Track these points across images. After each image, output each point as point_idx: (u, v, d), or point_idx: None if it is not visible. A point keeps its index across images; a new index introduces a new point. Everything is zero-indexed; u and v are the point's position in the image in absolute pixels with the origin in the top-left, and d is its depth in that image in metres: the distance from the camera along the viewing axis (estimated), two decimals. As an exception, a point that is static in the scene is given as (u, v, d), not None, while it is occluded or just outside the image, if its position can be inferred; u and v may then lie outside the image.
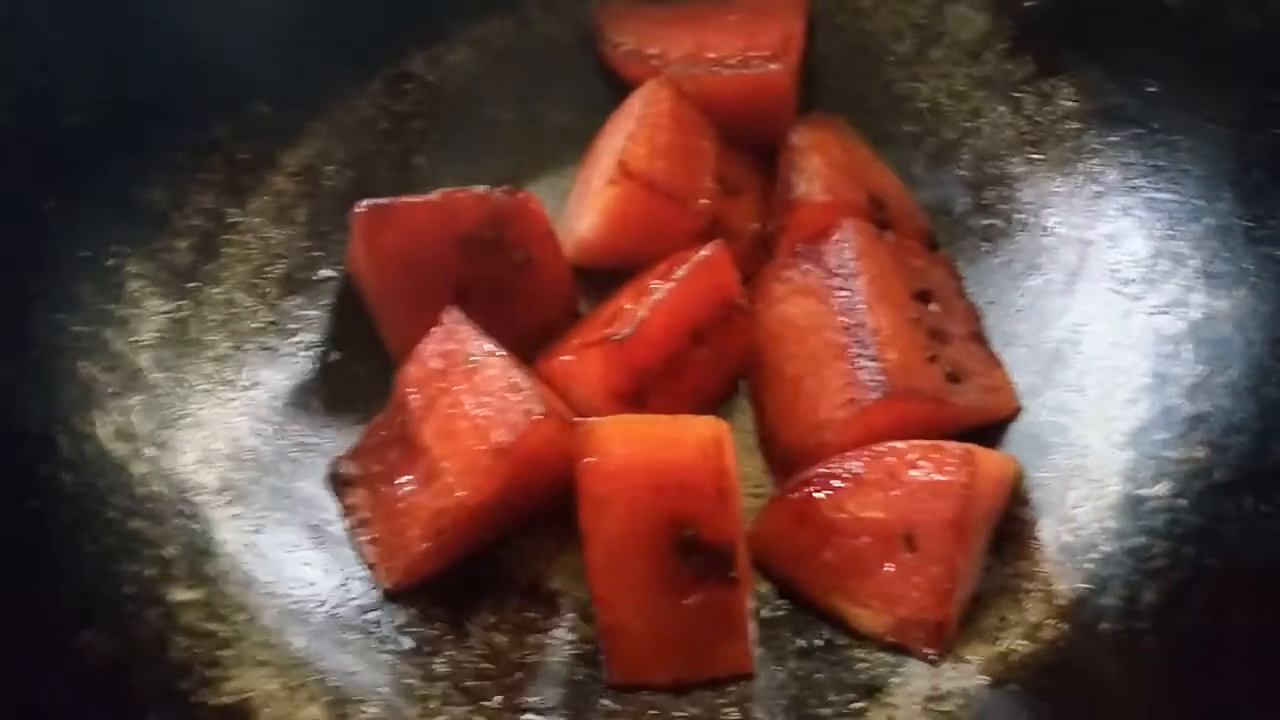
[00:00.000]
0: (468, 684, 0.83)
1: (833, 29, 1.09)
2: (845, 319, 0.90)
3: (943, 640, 0.81)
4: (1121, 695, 0.77)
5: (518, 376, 0.84)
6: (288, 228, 1.02)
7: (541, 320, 0.98)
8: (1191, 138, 0.91)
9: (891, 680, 0.81)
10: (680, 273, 0.91)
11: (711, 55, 1.04)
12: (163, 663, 0.78)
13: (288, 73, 1.03)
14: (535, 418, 0.82)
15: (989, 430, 0.91)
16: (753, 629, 0.84)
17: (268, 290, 0.99)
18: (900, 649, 0.82)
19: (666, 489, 0.81)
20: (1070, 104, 0.98)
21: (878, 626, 0.83)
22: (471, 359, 0.86)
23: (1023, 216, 0.99)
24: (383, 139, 1.07)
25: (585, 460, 0.81)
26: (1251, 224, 0.87)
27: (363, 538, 0.89)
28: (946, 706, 0.79)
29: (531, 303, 0.97)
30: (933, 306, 0.95)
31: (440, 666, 0.84)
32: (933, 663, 0.81)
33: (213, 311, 0.96)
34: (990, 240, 1.00)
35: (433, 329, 0.89)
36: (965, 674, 0.80)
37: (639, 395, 0.90)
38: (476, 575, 0.88)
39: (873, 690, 0.81)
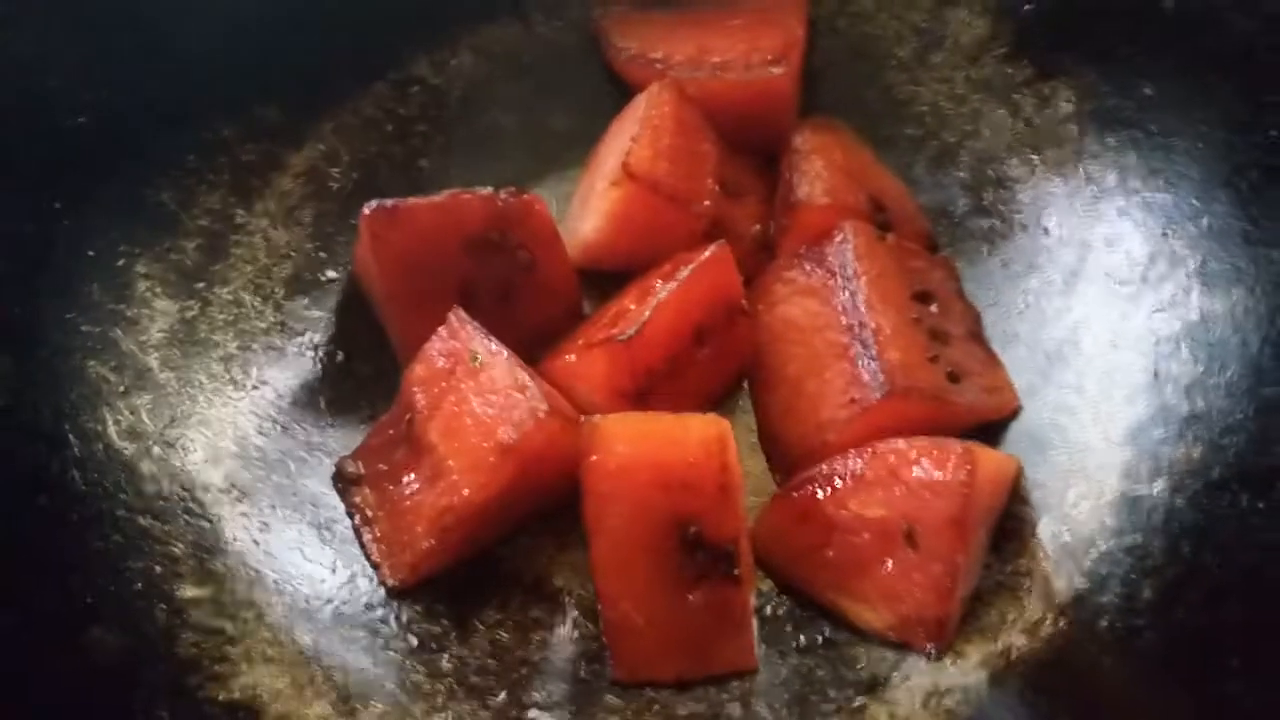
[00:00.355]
0: (473, 680, 0.84)
1: (834, 33, 1.09)
2: (847, 319, 0.91)
3: (943, 637, 0.82)
4: (1120, 691, 0.77)
5: (522, 375, 0.85)
6: (294, 229, 1.03)
7: (546, 321, 0.99)
8: (1188, 140, 0.92)
9: (892, 676, 0.82)
10: (683, 273, 0.91)
11: (714, 59, 1.05)
12: (171, 659, 0.78)
13: (294, 76, 1.04)
14: (540, 416, 0.83)
15: (989, 429, 0.92)
16: (755, 626, 0.85)
17: (274, 291, 1.00)
18: (901, 645, 0.83)
19: (670, 486, 0.82)
20: (1068, 107, 0.99)
21: (879, 623, 0.84)
22: (477, 358, 0.87)
23: (1022, 218, 1.00)
24: (388, 141, 1.08)
25: (589, 458, 0.82)
26: (1248, 225, 0.87)
27: (368, 536, 0.90)
28: (947, 702, 0.80)
29: (536, 303, 0.98)
30: (933, 307, 0.96)
31: (445, 663, 0.85)
32: (933, 659, 0.82)
33: (220, 311, 0.97)
34: (990, 241, 1.01)
35: (439, 329, 0.90)
36: (965, 670, 0.81)
37: (642, 395, 0.91)
38: (481, 573, 0.89)
39: (874, 686, 0.82)
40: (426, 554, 0.86)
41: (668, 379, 0.92)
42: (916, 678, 0.82)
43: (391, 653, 0.85)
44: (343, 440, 0.95)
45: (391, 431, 0.92)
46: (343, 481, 0.93)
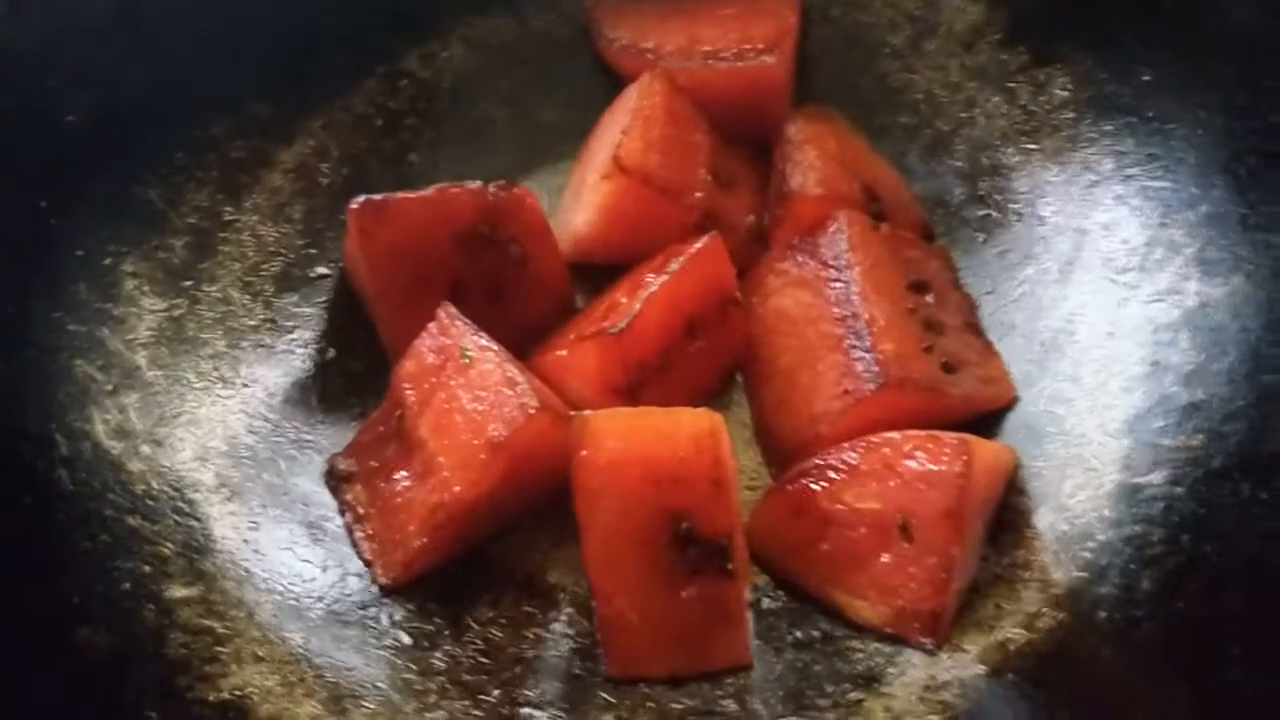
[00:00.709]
0: (465, 678, 0.83)
1: (827, 21, 1.09)
2: (840, 310, 0.90)
3: (939, 630, 0.81)
4: (1119, 682, 0.76)
5: (513, 371, 0.84)
6: (283, 225, 1.02)
7: (537, 315, 0.98)
8: (1185, 126, 0.91)
9: (889, 670, 0.81)
10: (675, 265, 0.91)
11: (706, 48, 1.04)
12: (160, 659, 0.77)
13: (283, 71, 1.03)
14: (531, 412, 0.82)
15: (985, 420, 0.91)
16: (750, 621, 0.84)
17: (264, 288, 0.99)
18: (897, 639, 0.82)
19: (661, 481, 0.81)
20: (1064, 93, 0.98)
21: (875, 617, 0.83)
22: (467, 354, 0.86)
23: (1018, 206, 0.99)
24: (378, 136, 1.07)
25: (580, 453, 0.81)
26: (1246, 211, 0.86)
27: (359, 534, 0.89)
28: (944, 696, 0.79)
29: (527, 298, 0.97)
30: (928, 297, 0.95)
31: (438, 661, 0.84)
32: (930, 653, 0.81)
33: (209, 309, 0.96)
34: (986, 230, 1.00)
35: (428, 325, 0.89)
36: (962, 663, 0.80)
37: (634, 389, 0.90)
38: (473, 570, 0.88)
39: (870, 681, 0.81)
40: (418, 552, 0.85)
41: (660, 372, 0.91)
42: (913, 671, 0.81)
43: (383, 651, 0.84)
44: (334, 437, 0.94)
45: (382, 428, 0.91)
46: (334, 479, 0.92)
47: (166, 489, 0.87)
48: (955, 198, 1.02)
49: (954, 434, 0.82)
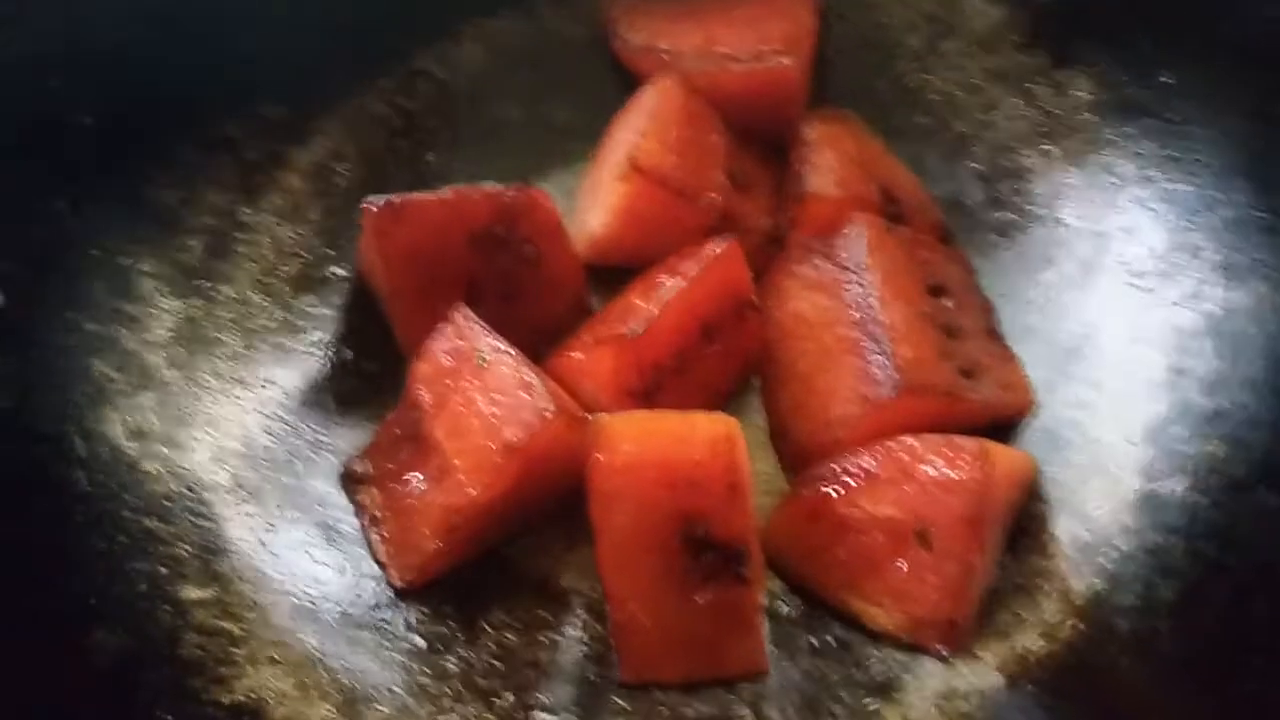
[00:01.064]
0: (479, 682, 0.83)
1: (844, 21, 1.08)
2: (858, 314, 0.89)
3: (957, 639, 0.80)
4: (1139, 694, 0.76)
5: (529, 374, 0.84)
6: (300, 226, 1.02)
7: (552, 316, 0.98)
8: (1207, 129, 0.90)
9: (906, 679, 0.81)
10: (693, 270, 0.90)
11: (722, 49, 1.04)
12: (175, 660, 0.78)
13: (299, 71, 1.03)
14: (547, 416, 0.82)
15: (1005, 426, 0.90)
16: (765, 627, 0.84)
17: (280, 289, 0.99)
18: (914, 647, 0.82)
19: (676, 485, 0.80)
20: (1084, 95, 0.98)
21: (891, 625, 0.82)
22: (482, 357, 0.86)
23: (1037, 209, 0.98)
24: (394, 136, 1.07)
25: (595, 457, 0.81)
26: (1268, 215, 0.86)
27: (374, 536, 0.89)
28: (961, 705, 0.79)
29: (542, 299, 0.97)
30: (946, 301, 0.94)
31: (451, 665, 0.84)
32: (947, 661, 0.81)
33: (225, 310, 0.96)
34: (1004, 234, 0.99)
35: (441, 326, 0.89)
36: (980, 673, 0.80)
37: (649, 392, 0.90)
38: (487, 573, 0.88)
39: (886, 689, 0.81)
40: (433, 555, 0.85)
41: (675, 376, 0.91)
42: (930, 680, 0.80)
43: (397, 654, 0.84)
44: (350, 439, 0.94)
45: (398, 430, 0.91)
46: (350, 481, 0.92)
47: (182, 490, 0.87)
48: (973, 200, 1.01)
49: (973, 440, 0.82)
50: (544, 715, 0.82)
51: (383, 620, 0.85)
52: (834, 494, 0.84)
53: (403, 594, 0.87)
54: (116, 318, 0.91)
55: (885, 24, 1.07)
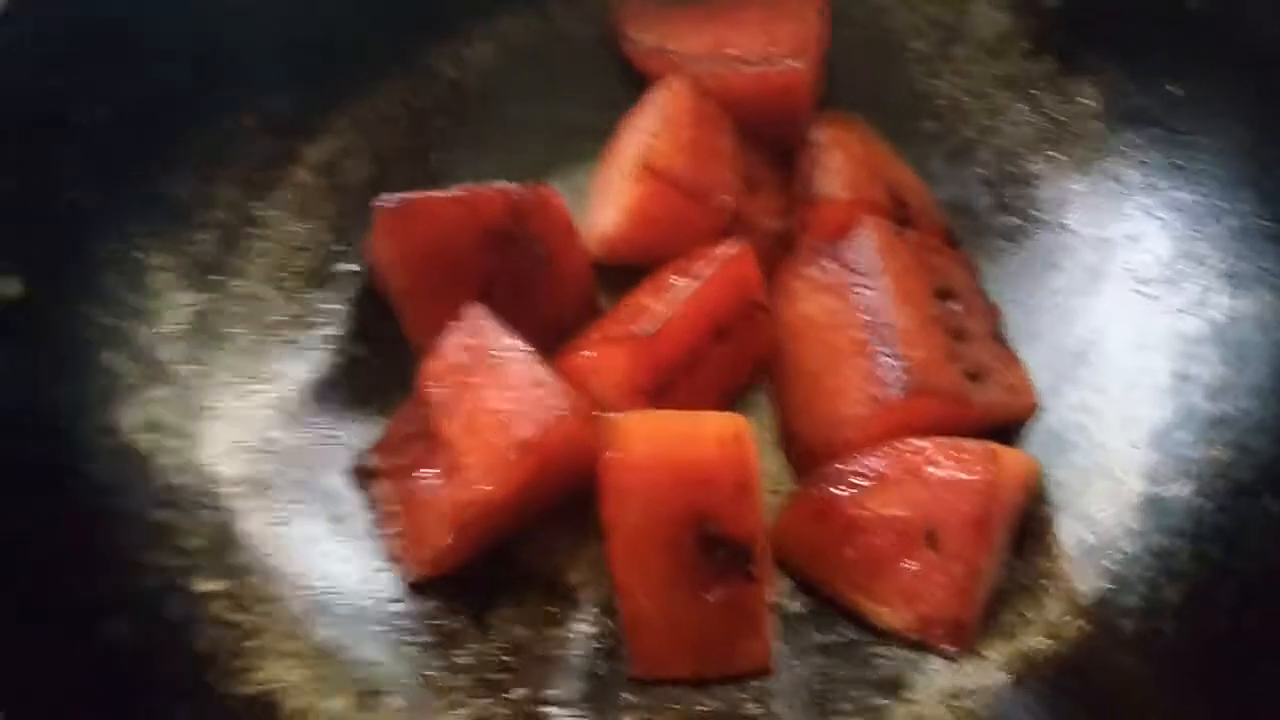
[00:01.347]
0: (490, 676, 0.84)
1: (852, 26, 1.08)
2: (867, 316, 0.90)
3: (964, 638, 0.81)
4: (1142, 693, 0.77)
5: (542, 372, 0.85)
6: (310, 222, 1.02)
7: (561, 314, 0.98)
8: (1212, 138, 0.92)
9: (913, 677, 0.82)
10: (706, 270, 0.91)
11: (732, 52, 1.04)
12: (189, 653, 0.78)
13: (310, 68, 1.03)
14: (560, 413, 0.82)
15: (1009, 429, 0.91)
16: (773, 625, 0.85)
17: (291, 284, 0.99)
18: (922, 646, 0.83)
19: (688, 484, 0.81)
20: (1091, 103, 0.99)
21: (899, 623, 0.84)
22: (495, 354, 0.86)
23: (1043, 215, 0.99)
24: (404, 135, 1.07)
25: (608, 455, 0.81)
26: (1272, 224, 0.87)
27: (386, 531, 0.90)
28: (968, 703, 0.80)
29: (552, 297, 0.97)
30: (953, 305, 0.95)
31: (463, 659, 0.85)
32: (954, 660, 0.82)
33: (236, 304, 0.96)
34: (1010, 239, 1.00)
35: (453, 323, 0.89)
36: (986, 671, 0.81)
37: (660, 391, 0.91)
38: (496, 569, 0.89)
39: (895, 687, 0.82)
40: (445, 550, 0.86)
41: (685, 375, 0.92)
42: (937, 678, 0.81)
43: (410, 648, 0.85)
44: (360, 434, 0.95)
45: (410, 426, 0.92)
46: (361, 476, 0.92)
47: (195, 483, 0.87)
48: (980, 205, 1.02)
49: (981, 443, 0.83)
50: (555, 709, 0.83)
51: (395, 614, 0.86)
52: (843, 494, 0.85)
53: (414, 589, 0.87)
54: (130, 311, 0.91)
55: (893, 29, 1.08)
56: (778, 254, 1.01)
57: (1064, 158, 0.99)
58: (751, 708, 0.82)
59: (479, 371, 0.87)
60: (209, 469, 0.89)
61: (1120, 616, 0.80)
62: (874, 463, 0.84)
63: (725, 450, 0.82)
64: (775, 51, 1.03)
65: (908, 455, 0.83)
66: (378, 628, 0.85)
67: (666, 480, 0.81)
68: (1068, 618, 0.82)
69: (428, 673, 0.84)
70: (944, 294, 0.95)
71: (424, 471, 0.89)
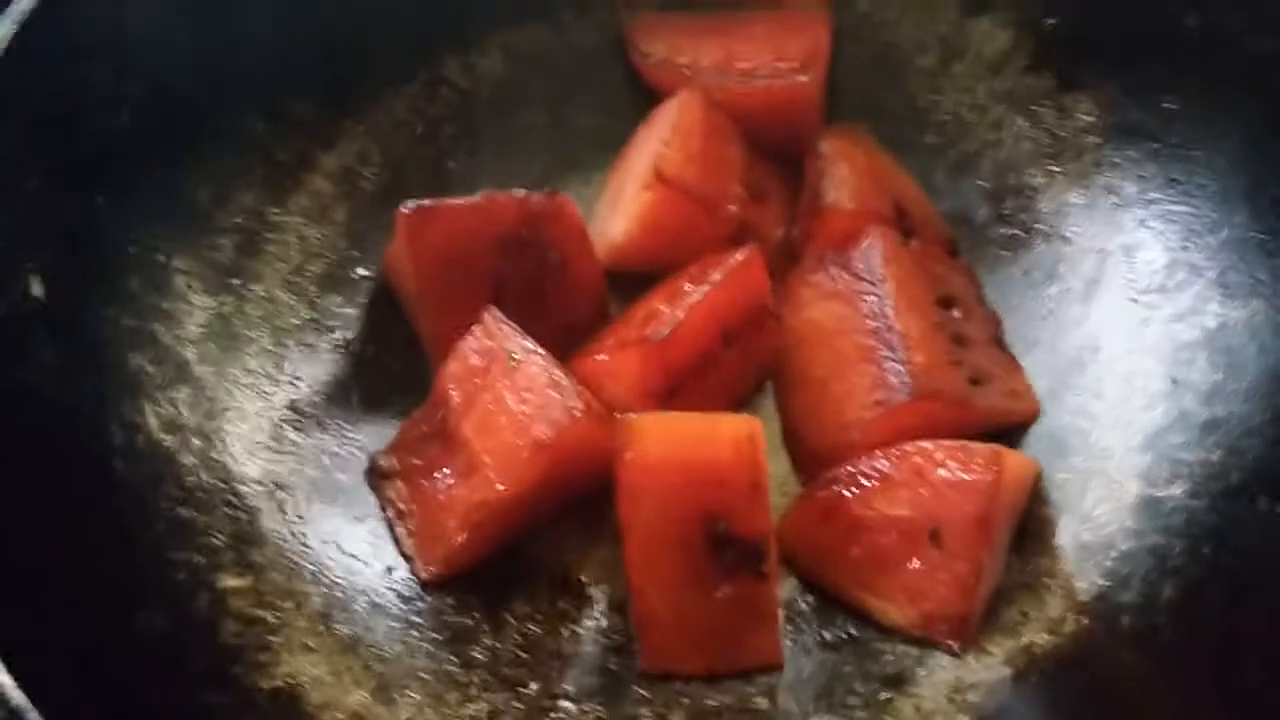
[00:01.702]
0: (505, 672, 0.86)
1: (857, 41, 1.11)
2: (872, 322, 0.93)
3: (967, 634, 0.84)
4: (1141, 687, 0.79)
5: (558, 374, 0.87)
6: (326, 227, 1.04)
7: (573, 320, 1.00)
8: (1207, 153, 0.94)
9: (918, 671, 0.84)
10: (716, 276, 0.93)
11: (741, 65, 1.06)
12: (215, 647, 0.80)
13: (326, 77, 1.05)
14: (576, 414, 0.84)
15: (1010, 432, 0.94)
16: (781, 621, 0.87)
17: (308, 288, 1.01)
18: (926, 642, 0.85)
19: (702, 484, 0.83)
20: (1089, 119, 1.01)
21: (903, 620, 0.86)
22: (513, 357, 0.88)
23: (1042, 227, 1.02)
24: (417, 142, 1.09)
25: (624, 455, 0.83)
26: (1265, 237, 0.89)
27: (401, 529, 0.92)
28: (971, 697, 0.82)
29: (564, 303, 0.99)
30: (955, 312, 0.97)
31: (478, 654, 0.87)
32: (957, 655, 0.84)
33: (255, 308, 0.98)
34: (1010, 249, 1.03)
35: (473, 327, 0.91)
36: (989, 666, 0.83)
37: (671, 394, 0.93)
38: (510, 567, 0.91)
39: (899, 681, 0.84)
40: (459, 549, 0.88)
41: (695, 379, 0.94)
42: (941, 673, 0.84)
43: (426, 644, 0.87)
44: (375, 435, 0.96)
45: (425, 427, 0.93)
46: (376, 476, 0.94)
47: (216, 482, 0.89)
48: (980, 217, 1.05)
49: (985, 445, 0.85)
50: (568, 704, 0.84)
51: (411, 611, 0.88)
52: (849, 494, 0.87)
53: (429, 586, 0.89)
54: (152, 313, 0.92)
55: (897, 44, 1.10)
56: (784, 263, 1.03)
57: (1063, 171, 1.02)
58: (760, 702, 0.84)
59: (496, 373, 0.89)
60: (229, 468, 0.90)
61: (1118, 612, 0.82)
62: (880, 464, 0.86)
63: (739, 451, 0.84)
64: (783, 65, 1.06)
65: (914, 457, 0.85)
66: (395, 624, 0.87)
67: (682, 480, 0.83)
68: (1068, 614, 0.84)
69: (444, 668, 0.85)
70: (946, 302, 0.98)
71: (439, 472, 0.91)
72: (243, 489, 0.90)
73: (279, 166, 1.03)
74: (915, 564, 0.84)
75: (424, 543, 0.90)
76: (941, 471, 0.84)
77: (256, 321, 0.98)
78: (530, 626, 0.89)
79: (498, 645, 0.87)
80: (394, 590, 0.89)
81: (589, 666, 0.87)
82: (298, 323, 1.00)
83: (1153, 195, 0.97)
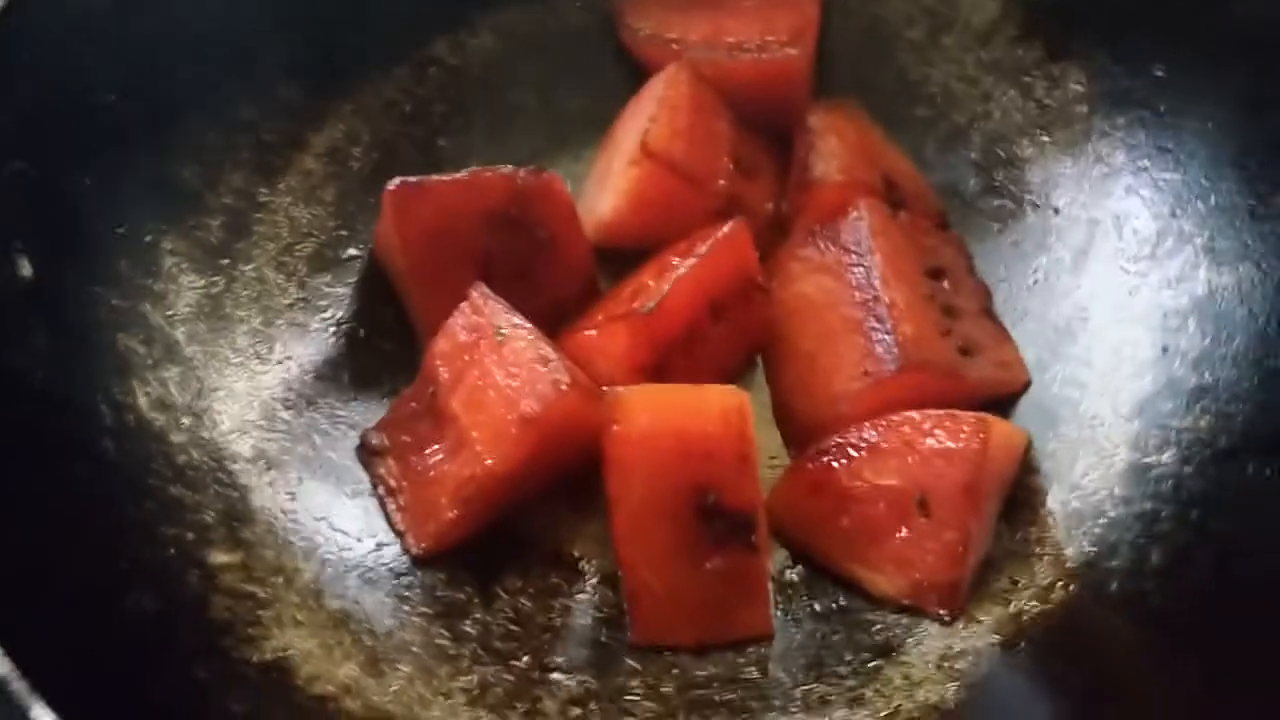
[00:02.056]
0: (496, 645, 0.86)
1: (845, 14, 1.10)
2: (861, 295, 0.92)
3: (956, 602, 0.84)
4: (1129, 651, 0.79)
5: (546, 349, 0.87)
6: (315, 207, 1.04)
7: (562, 297, 1.00)
8: (1197, 120, 0.94)
9: (907, 640, 0.84)
10: (702, 249, 0.93)
11: (729, 40, 1.06)
12: (206, 622, 0.80)
13: (315, 56, 1.05)
14: (563, 388, 0.85)
15: (1000, 402, 0.94)
16: (771, 592, 0.87)
17: (297, 268, 1.01)
18: (915, 610, 0.85)
19: (690, 455, 0.83)
20: (1078, 88, 1.01)
21: (893, 589, 0.86)
22: (501, 332, 0.88)
23: (1032, 197, 1.01)
24: (407, 122, 1.09)
25: (612, 428, 0.84)
26: (1254, 202, 0.89)
27: (392, 505, 0.92)
28: (960, 664, 0.82)
29: (553, 280, 0.99)
30: (945, 283, 0.97)
31: (469, 628, 0.87)
32: (946, 623, 0.84)
33: (244, 288, 0.98)
34: (1000, 220, 1.02)
35: (462, 304, 0.91)
36: (978, 634, 0.83)
37: (659, 368, 0.93)
38: (502, 542, 0.91)
39: (888, 650, 0.84)
40: (450, 523, 0.88)
41: (684, 353, 0.94)
42: (930, 641, 0.84)
43: (417, 618, 0.87)
44: (365, 413, 0.97)
45: (414, 404, 0.94)
46: (367, 453, 0.95)
47: (207, 460, 0.89)
48: (970, 188, 1.05)
49: (972, 413, 0.85)
50: (560, 676, 0.85)
51: (402, 586, 0.88)
52: (838, 465, 0.87)
53: (420, 561, 0.89)
54: (141, 293, 0.93)
55: (886, 17, 1.10)
56: (774, 237, 1.03)
57: (1053, 141, 1.02)
58: (751, 672, 0.85)
59: (484, 349, 0.89)
60: (219, 446, 0.90)
61: (1107, 578, 0.82)
62: (868, 434, 0.86)
63: (728, 422, 0.84)
64: (772, 39, 1.05)
65: (902, 426, 0.85)
66: (386, 599, 0.87)
67: (671, 452, 0.84)
68: (1057, 581, 0.84)
69: (434, 641, 0.86)
70: (935, 273, 0.98)
71: (429, 448, 0.91)
72: (233, 467, 0.90)
73: (268, 147, 1.03)
74: (904, 533, 0.84)
75: (415, 518, 0.91)
76: (929, 440, 0.84)
77: (246, 301, 0.98)
78: (522, 600, 0.89)
79: (489, 619, 0.88)
80: (385, 565, 0.89)
81: (580, 639, 0.87)
82: (288, 302, 1.00)
83: (1142, 163, 0.96)
